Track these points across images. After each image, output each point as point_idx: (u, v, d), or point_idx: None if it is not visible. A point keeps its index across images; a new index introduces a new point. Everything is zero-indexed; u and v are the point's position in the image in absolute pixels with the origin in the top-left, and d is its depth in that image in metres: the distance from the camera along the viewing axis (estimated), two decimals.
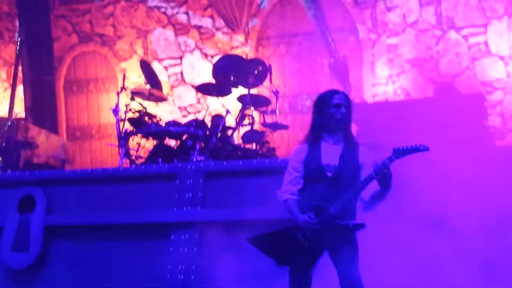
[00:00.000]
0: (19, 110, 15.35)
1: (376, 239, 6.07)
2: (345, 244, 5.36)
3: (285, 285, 5.45)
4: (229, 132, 9.81)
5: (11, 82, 15.86)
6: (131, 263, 7.37)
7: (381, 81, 12.76)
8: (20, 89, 15.49)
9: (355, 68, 12.60)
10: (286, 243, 5.42)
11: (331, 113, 5.53)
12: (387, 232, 6.38)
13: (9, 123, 12.82)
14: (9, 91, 15.90)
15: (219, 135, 9.47)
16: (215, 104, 11.80)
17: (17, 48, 15.91)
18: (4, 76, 16.53)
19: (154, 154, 9.48)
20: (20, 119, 14.34)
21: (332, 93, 5.64)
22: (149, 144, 10.19)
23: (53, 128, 14.19)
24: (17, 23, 16.27)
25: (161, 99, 11.00)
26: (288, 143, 12.44)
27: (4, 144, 12.10)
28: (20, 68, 15.41)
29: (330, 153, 5.50)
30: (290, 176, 5.65)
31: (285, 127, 10.56)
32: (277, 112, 10.28)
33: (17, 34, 16.20)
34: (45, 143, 12.70)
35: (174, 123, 9.74)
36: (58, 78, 15.27)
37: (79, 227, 7.73)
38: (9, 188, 8.18)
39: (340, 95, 5.61)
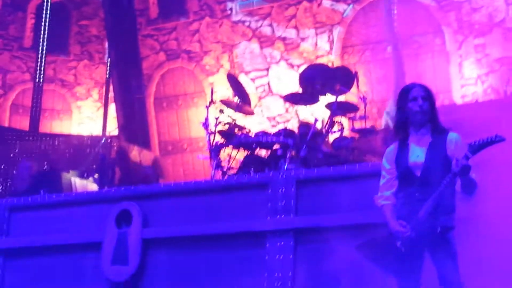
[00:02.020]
0: (112, 128, 15.71)
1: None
2: (442, 247, 5.22)
3: None
4: (319, 139, 9.82)
5: (103, 102, 16.26)
6: (227, 273, 7.43)
7: (470, 81, 12.61)
8: (112, 108, 15.86)
9: (442, 70, 12.48)
10: (388, 250, 5.34)
11: (410, 107, 5.45)
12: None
13: (103, 141, 13.13)
14: (101, 111, 16.30)
15: (309, 143, 9.49)
16: (303, 113, 11.84)
17: (107, 69, 16.30)
18: (96, 96, 16.96)
19: (245, 164, 9.57)
20: (113, 137, 14.67)
21: (408, 87, 5.54)
22: (240, 155, 10.28)
23: (145, 144, 14.48)
24: (106, 45, 16.68)
25: (249, 112, 11.09)
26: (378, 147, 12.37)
27: (99, 161, 12.39)
28: (111, 87, 15.78)
29: (418, 150, 5.40)
30: (383, 180, 5.60)
31: (374, 132, 10.51)
32: (366, 117, 10.24)
33: (106, 56, 16.60)
34: (138, 158, 12.97)
35: (263, 133, 9.81)
36: (148, 95, 15.59)
37: (175, 239, 7.83)
38: (106, 204, 8.36)
39: (416, 88, 5.49)
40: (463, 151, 5.09)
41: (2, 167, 13.30)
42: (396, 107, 5.59)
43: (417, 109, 5.42)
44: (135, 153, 12.87)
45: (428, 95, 5.47)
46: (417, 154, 5.39)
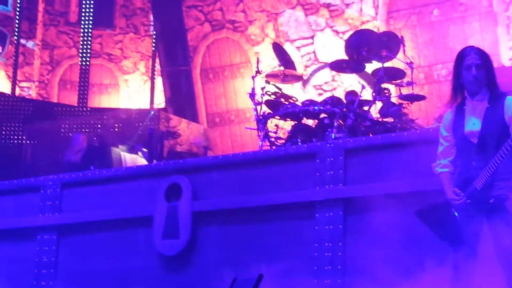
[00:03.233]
0: (160, 102, 15.80)
1: None
2: (498, 216, 5.13)
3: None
4: (366, 107, 9.77)
5: (150, 75, 16.33)
6: (278, 244, 7.44)
7: None
8: (159, 81, 15.94)
9: (489, 32, 12.28)
10: (446, 217, 5.29)
11: (464, 76, 5.33)
12: None
13: (151, 114, 13.22)
14: (148, 84, 16.40)
15: (356, 111, 9.44)
16: (350, 81, 11.77)
17: (153, 41, 16.36)
18: (143, 69, 17.04)
19: (293, 134, 9.56)
20: (161, 109, 14.76)
21: (463, 53, 5.40)
22: (287, 125, 10.27)
23: (193, 116, 14.55)
24: (151, 18, 16.73)
25: (297, 78, 11.05)
26: (426, 113, 12.27)
27: (148, 135, 12.48)
28: (157, 60, 15.84)
29: (474, 117, 5.30)
30: (440, 147, 5.52)
31: (422, 97, 10.40)
32: (413, 83, 10.14)
33: (152, 28, 16.65)
34: (187, 131, 13.05)
35: (310, 102, 9.78)
36: (194, 67, 15.60)
37: (225, 211, 7.87)
38: (155, 178, 8.42)
39: (471, 54, 5.34)
40: None
41: (53, 142, 13.47)
42: (453, 72, 5.48)
43: (470, 78, 5.31)
44: (184, 126, 12.93)
45: (483, 62, 5.33)
46: (473, 122, 5.31)
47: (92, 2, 17.00)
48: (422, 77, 13.07)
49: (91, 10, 16.95)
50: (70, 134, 12.61)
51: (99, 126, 13.41)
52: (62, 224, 8.87)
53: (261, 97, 10.13)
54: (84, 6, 16.93)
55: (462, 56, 5.40)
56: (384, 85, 9.93)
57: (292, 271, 7.22)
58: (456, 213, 5.23)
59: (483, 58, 5.37)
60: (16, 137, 14.18)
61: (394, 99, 10.11)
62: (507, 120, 5.20)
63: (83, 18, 16.89)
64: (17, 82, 16.63)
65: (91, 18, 16.92)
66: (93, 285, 8.48)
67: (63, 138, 12.77)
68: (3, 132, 14.09)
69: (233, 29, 15.55)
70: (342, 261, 7.02)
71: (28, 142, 13.92)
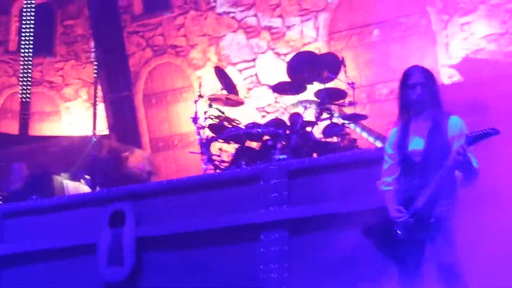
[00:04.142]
0: (102, 128, 15.65)
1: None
2: (440, 235, 5.15)
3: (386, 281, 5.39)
4: (309, 128, 9.79)
5: (92, 102, 16.19)
6: (223, 267, 7.41)
7: (457, 61, 12.56)
8: (101, 107, 15.80)
9: (429, 50, 12.43)
10: (388, 236, 5.30)
11: (408, 95, 5.37)
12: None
13: (94, 141, 13.07)
14: (91, 110, 16.23)
15: (299, 132, 9.46)
16: (292, 102, 11.80)
17: (95, 68, 16.23)
18: (85, 96, 16.89)
19: (237, 157, 9.54)
20: (103, 136, 14.61)
21: (408, 72, 5.43)
22: (231, 148, 10.25)
23: (136, 142, 14.43)
24: (92, 44, 16.60)
25: (238, 103, 11.04)
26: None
27: (90, 162, 12.33)
28: (99, 87, 15.71)
29: (418, 136, 5.33)
30: (385, 165, 5.54)
31: (364, 117, 10.47)
32: (355, 103, 10.20)
33: (93, 55, 16.53)
34: (130, 157, 12.91)
35: (253, 125, 9.77)
36: (137, 92, 15.53)
37: (169, 236, 7.81)
38: (99, 205, 8.34)
39: (415, 74, 5.39)
40: (463, 136, 5.05)
41: None
42: (399, 91, 5.50)
43: (414, 97, 5.35)
44: (127, 153, 12.82)
45: (427, 81, 5.37)
46: (416, 141, 5.35)
47: (32, 30, 16.81)
48: (364, 96, 13.18)
49: (31, 38, 16.76)
50: (11, 163, 12.38)
51: (41, 154, 13.21)
52: (3, 255, 8.71)
53: (204, 121, 10.10)
54: (23, 34, 16.74)
55: (406, 75, 5.44)
56: (326, 106, 9.96)
57: None
58: (398, 231, 5.23)
59: (427, 77, 5.42)
60: None
61: (336, 119, 10.15)
62: (449, 140, 5.24)
63: (22, 46, 16.69)
64: None
65: (31, 46, 16.73)
66: None
67: (4, 168, 12.55)
68: None
69: (175, 54, 15.53)
70: (288, 282, 7.00)
71: None
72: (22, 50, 16.63)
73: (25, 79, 16.44)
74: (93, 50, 16.78)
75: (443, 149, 5.21)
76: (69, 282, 8.29)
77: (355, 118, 10.25)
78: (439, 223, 5.16)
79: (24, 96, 16.35)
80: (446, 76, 12.53)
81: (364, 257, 6.29)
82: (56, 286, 8.33)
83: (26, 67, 16.56)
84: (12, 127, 16.73)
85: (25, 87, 16.38)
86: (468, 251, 5.36)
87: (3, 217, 8.83)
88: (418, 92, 5.33)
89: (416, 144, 5.33)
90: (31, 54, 16.69)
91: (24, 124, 16.06)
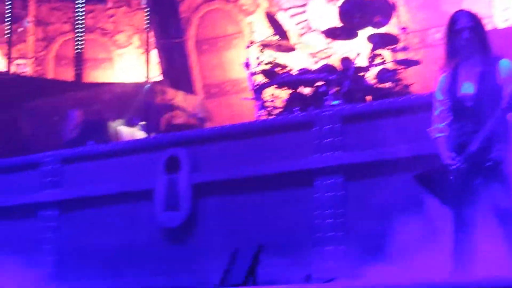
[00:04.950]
0: (156, 74, 15.75)
1: None
2: (494, 180, 5.13)
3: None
4: (362, 73, 9.78)
5: (145, 48, 16.28)
6: (278, 213, 7.49)
7: None
8: (154, 53, 15.88)
9: None
10: (443, 181, 5.27)
11: (456, 39, 5.33)
12: None
13: (147, 87, 13.20)
14: (143, 57, 16.33)
15: (352, 77, 9.45)
16: (344, 47, 11.75)
17: (146, 15, 16.29)
18: (137, 43, 16.96)
19: (289, 103, 9.59)
20: (157, 82, 14.73)
21: (454, 17, 5.39)
22: (283, 94, 10.28)
23: (189, 88, 14.51)
24: None
25: (290, 49, 11.05)
26: (423, 78, 12.25)
27: (144, 108, 12.47)
28: (151, 33, 15.79)
29: (468, 81, 5.30)
30: (436, 111, 5.51)
31: (417, 62, 10.42)
32: (408, 48, 10.15)
33: (144, 1, 16.56)
34: (183, 103, 13.03)
35: (305, 71, 9.79)
36: (188, 39, 15.52)
37: (223, 182, 7.90)
38: (154, 151, 8.46)
39: (462, 18, 5.34)
40: None
41: (50, 119, 13.45)
42: (445, 36, 5.48)
43: (462, 42, 5.31)
44: (180, 98, 12.92)
45: (475, 25, 5.33)
46: (467, 85, 5.31)
47: None
48: (417, 41, 13.03)
49: None
50: (67, 110, 12.57)
51: (96, 101, 13.37)
52: (62, 199, 8.91)
53: (257, 67, 10.14)
54: None
55: (453, 20, 5.41)
56: (379, 51, 9.93)
57: (293, 240, 7.29)
58: (452, 178, 5.25)
59: (475, 21, 5.38)
60: (13, 114, 14.15)
61: (389, 65, 10.11)
62: (501, 83, 5.21)
63: None
64: (12, 59, 16.57)
65: None
66: (95, 259, 8.54)
67: (60, 114, 12.74)
68: (0, 110, 14.04)
69: None
70: (344, 227, 7.07)
71: (25, 119, 13.89)
72: None
73: (79, 26, 16.60)
74: None
75: (494, 93, 5.17)
76: (127, 227, 8.45)
77: (408, 63, 10.20)
78: (495, 168, 5.15)
79: (78, 43, 16.52)
80: (501, 20, 12.31)
81: (419, 203, 6.32)
82: (114, 231, 8.51)
83: (79, 14, 16.70)
84: (66, 74, 16.92)
85: (78, 34, 16.54)
86: None
87: (62, 162, 9.00)
88: (466, 37, 5.29)
89: (467, 88, 5.30)
90: (83, 1, 16.81)
91: (78, 71, 16.26)
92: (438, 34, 12.48)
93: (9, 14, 16.65)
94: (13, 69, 16.63)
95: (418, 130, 6.30)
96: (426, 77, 11.77)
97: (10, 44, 16.51)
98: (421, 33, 13.10)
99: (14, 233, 9.11)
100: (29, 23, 17.24)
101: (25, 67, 17.09)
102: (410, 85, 10.02)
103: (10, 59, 16.42)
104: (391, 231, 5.99)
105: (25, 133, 13.50)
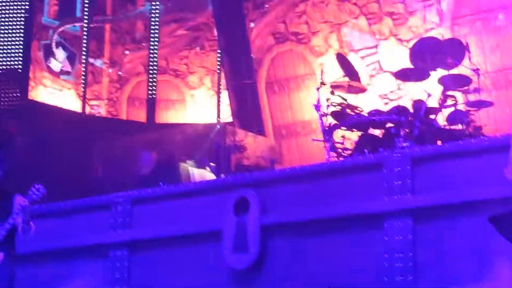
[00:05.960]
0: (226, 116, 15.89)
1: None
2: None
3: None
4: (433, 115, 9.69)
5: (216, 89, 16.46)
6: (347, 256, 7.44)
7: None
8: (224, 95, 16.04)
9: None
10: None
11: None
12: None
13: (218, 128, 13.31)
14: (215, 98, 16.51)
15: (423, 119, 9.38)
16: (415, 89, 11.67)
17: (218, 56, 16.50)
18: (209, 84, 17.17)
19: (360, 145, 9.55)
20: (227, 123, 14.84)
21: None
22: (354, 135, 10.25)
23: (259, 129, 14.57)
24: (215, 33, 16.86)
25: (360, 90, 11.02)
26: (494, 120, 12.10)
27: (215, 149, 12.56)
28: (222, 75, 15.96)
29: None
30: None
31: (489, 104, 10.28)
32: (480, 90, 10.02)
33: (216, 43, 16.78)
34: (253, 144, 13.09)
35: (376, 112, 9.75)
36: (259, 80, 15.65)
37: (293, 224, 7.89)
38: (223, 193, 8.49)
39: None
40: None
41: (123, 159, 13.63)
42: None
43: None
44: (250, 139, 12.99)
45: None
46: None
47: (157, 21, 17.24)
48: (489, 83, 12.89)
49: (157, 28, 17.21)
50: (139, 151, 12.74)
51: (168, 141, 13.53)
52: (133, 240, 8.99)
53: (327, 108, 10.14)
54: (151, 25, 17.19)
55: None
56: (450, 93, 9.84)
57: (362, 283, 7.22)
58: None
59: None
60: (86, 155, 14.39)
61: (461, 106, 10.00)
62: None
63: (151, 35, 17.13)
64: (87, 100, 16.91)
65: (157, 35, 17.16)
66: None
67: (132, 155, 12.92)
68: (74, 150, 14.30)
69: (297, 41, 15.57)
70: (413, 271, 6.98)
71: (98, 159, 14.12)
72: (151, 39, 17.06)
73: (152, 68, 16.89)
74: (216, 38, 17.03)
75: None
76: (195, 268, 8.46)
77: (480, 105, 10.07)
78: None
79: (151, 84, 16.80)
80: None
81: (493, 247, 6.20)
82: (182, 272, 8.53)
83: (152, 56, 17.00)
84: (139, 115, 17.19)
85: (151, 76, 16.83)
86: None
87: (132, 203, 9.10)
88: None
89: None
90: (157, 43, 17.11)
91: (151, 112, 16.51)
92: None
93: (85, 56, 17.03)
94: (88, 109, 16.96)
95: (491, 172, 6.21)
96: (498, 119, 11.66)
97: (85, 85, 16.85)
98: (494, 74, 12.97)
99: (85, 273, 9.21)
100: (103, 64, 17.59)
101: (99, 108, 17.42)
102: (482, 127, 9.88)
103: (85, 100, 16.75)
104: (460, 277, 5.90)
105: (98, 173, 13.72)
